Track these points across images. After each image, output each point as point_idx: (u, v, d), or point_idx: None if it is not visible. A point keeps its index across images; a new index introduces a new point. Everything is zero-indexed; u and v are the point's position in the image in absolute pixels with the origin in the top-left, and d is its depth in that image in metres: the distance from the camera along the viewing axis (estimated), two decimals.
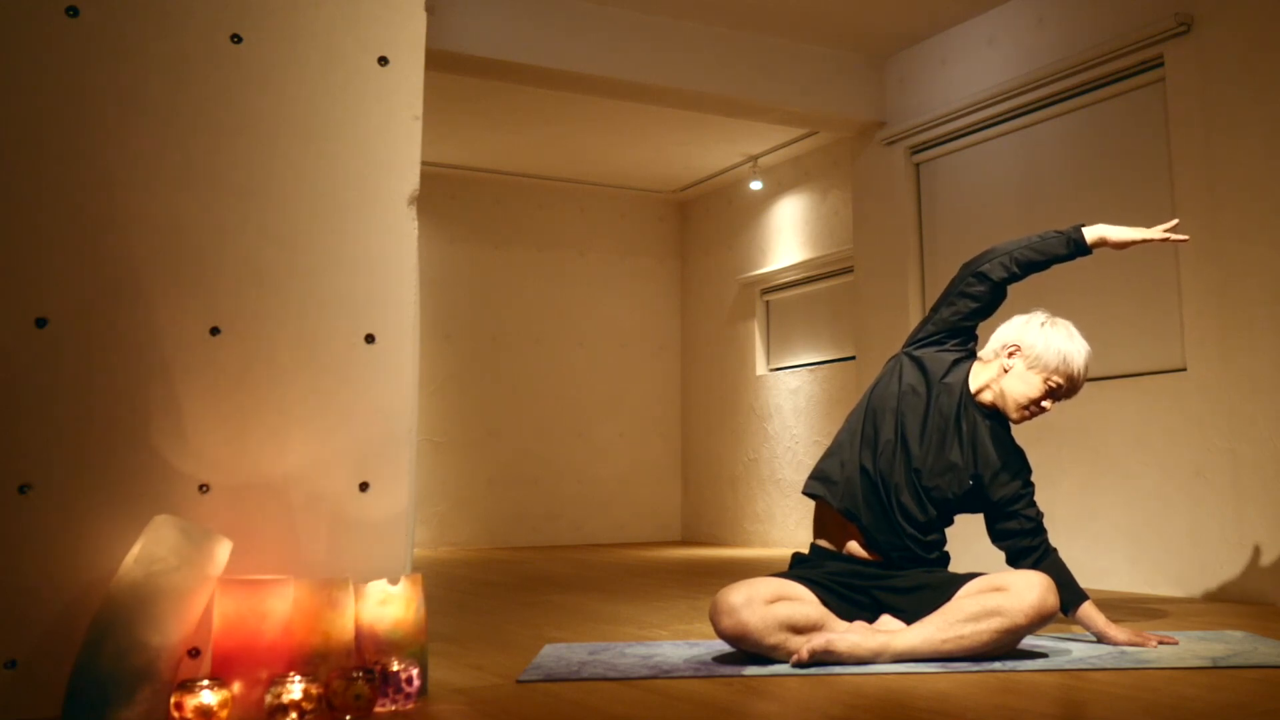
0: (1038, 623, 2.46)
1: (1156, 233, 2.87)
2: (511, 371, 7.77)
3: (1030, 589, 2.46)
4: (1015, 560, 2.74)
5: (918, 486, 2.68)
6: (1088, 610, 2.71)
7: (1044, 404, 2.73)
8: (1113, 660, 2.48)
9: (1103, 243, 2.84)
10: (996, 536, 2.77)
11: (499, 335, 7.76)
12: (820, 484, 2.73)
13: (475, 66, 4.88)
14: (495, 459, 7.63)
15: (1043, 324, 2.76)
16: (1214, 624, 3.19)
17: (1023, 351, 2.73)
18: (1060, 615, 2.60)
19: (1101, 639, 2.71)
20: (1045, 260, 2.81)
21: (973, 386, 2.76)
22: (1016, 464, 2.75)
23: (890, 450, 2.69)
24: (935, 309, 2.86)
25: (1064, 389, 2.72)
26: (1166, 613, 3.48)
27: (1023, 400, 2.71)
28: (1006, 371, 2.73)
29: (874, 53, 5.59)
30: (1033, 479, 2.78)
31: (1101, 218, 4.49)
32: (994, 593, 2.48)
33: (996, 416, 2.77)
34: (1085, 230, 2.82)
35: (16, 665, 1.98)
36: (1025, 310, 2.84)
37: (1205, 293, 4.03)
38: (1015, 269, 2.78)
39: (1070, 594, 2.68)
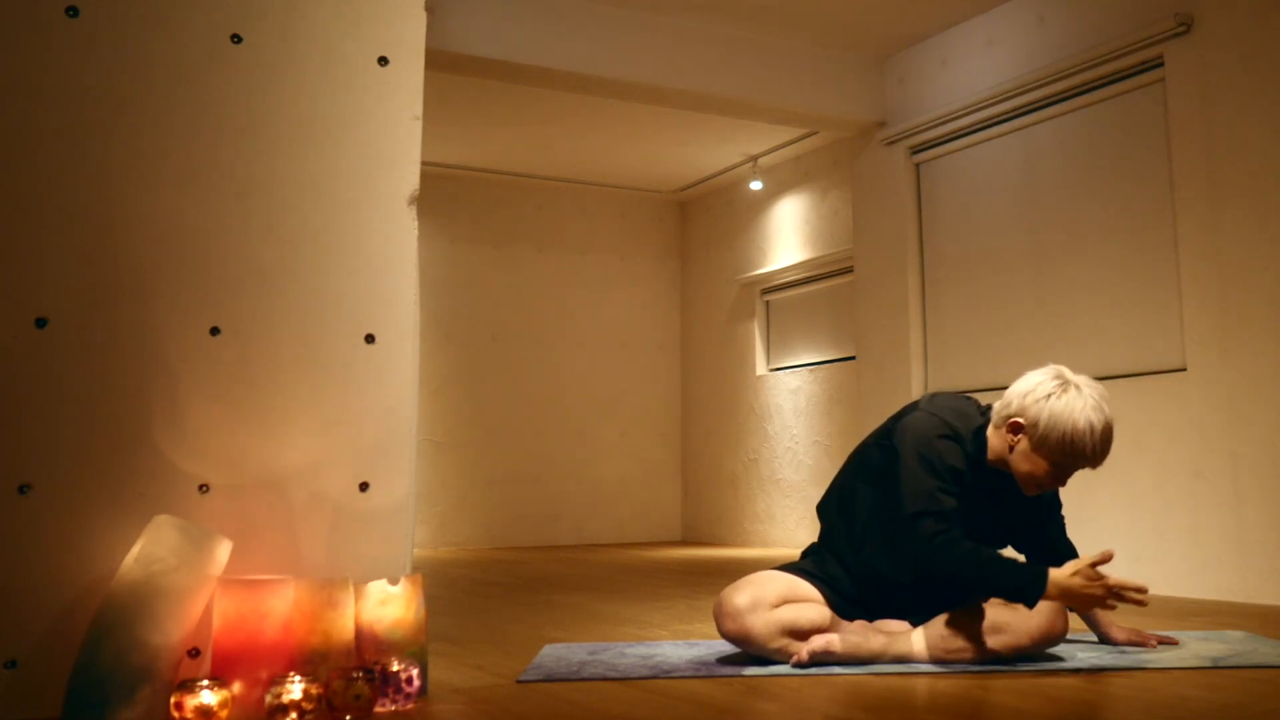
0: (1043, 645, 2.44)
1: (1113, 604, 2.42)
2: (511, 371, 7.76)
3: (1039, 611, 2.42)
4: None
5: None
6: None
7: (1055, 477, 2.46)
8: (1113, 660, 2.48)
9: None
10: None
11: (499, 335, 7.76)
12: (820, 583, 2.56)
13: (475, 66, 4.88)
14: (495, 459, 7.63)
15: (1050, 394, 2.42)
16: (1214, 624, 3.19)
17: (1025, 430, 2.44)
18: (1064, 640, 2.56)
19: (1102, 638, 2.71)
20: (981, 589, 2.43)
21: (989, 456, 2.54)
22: (1040, 515, 2.68)
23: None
24: (896, 494, 2.45)
25: (1074, 467, 2.45)
26: (1166, 613, 3.48)
27: (1028, 481, 2.49)
28: (1012, 449, 2.48)
29: (874, 53, 5.59)
30: (1062, 512, 2.72)
31: (1101, 218, 4.52)
32: (1002, 608, 2.44)
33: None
34: (1049, 591, 2.36)
35: (16, 665, 1.98)
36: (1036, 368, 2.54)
37: (1205, 293, 4.03)
38: (944, 572, 2.38)
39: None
